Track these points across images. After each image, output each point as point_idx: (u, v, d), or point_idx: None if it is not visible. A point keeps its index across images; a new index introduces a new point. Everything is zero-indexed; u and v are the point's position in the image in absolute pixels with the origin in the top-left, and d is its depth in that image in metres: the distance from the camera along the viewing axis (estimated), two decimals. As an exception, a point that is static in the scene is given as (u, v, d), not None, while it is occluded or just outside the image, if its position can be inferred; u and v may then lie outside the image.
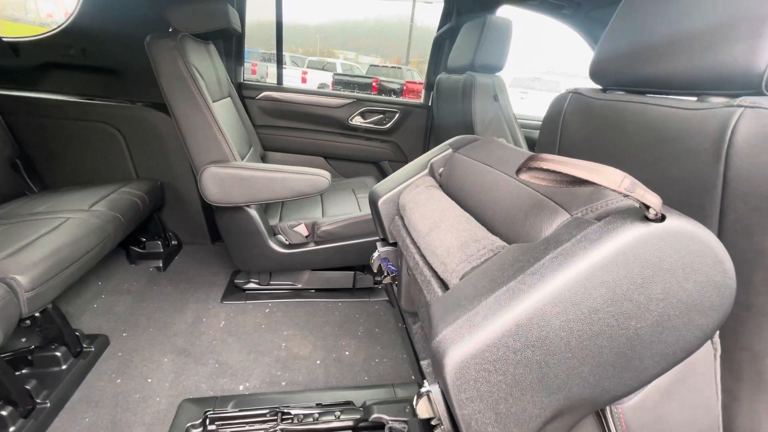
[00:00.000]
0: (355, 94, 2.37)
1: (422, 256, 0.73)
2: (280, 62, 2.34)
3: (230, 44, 2.08)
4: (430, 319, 0.50)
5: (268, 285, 1.78)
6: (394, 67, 13.01)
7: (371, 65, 13.69)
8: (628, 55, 0.76)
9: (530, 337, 0.42)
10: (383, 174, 2.48)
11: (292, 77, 11.99)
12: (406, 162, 2.45)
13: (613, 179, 0.40)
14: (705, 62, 0.61)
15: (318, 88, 12.02)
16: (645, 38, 0.72)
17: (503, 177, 0.71)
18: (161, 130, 1.86)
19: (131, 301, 1.65)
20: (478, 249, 0.59)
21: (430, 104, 2.37)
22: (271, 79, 12.44)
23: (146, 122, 1.85)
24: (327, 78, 12.07)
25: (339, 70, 12.56)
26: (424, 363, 0.63)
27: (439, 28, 2.25)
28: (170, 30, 1.48)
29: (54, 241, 1.18)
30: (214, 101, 1.58)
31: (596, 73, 0.85)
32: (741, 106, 0.55)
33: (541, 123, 1.01)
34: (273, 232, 1.67)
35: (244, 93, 2.21)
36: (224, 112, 1.69)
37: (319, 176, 1.54)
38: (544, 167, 0.45)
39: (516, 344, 0.41)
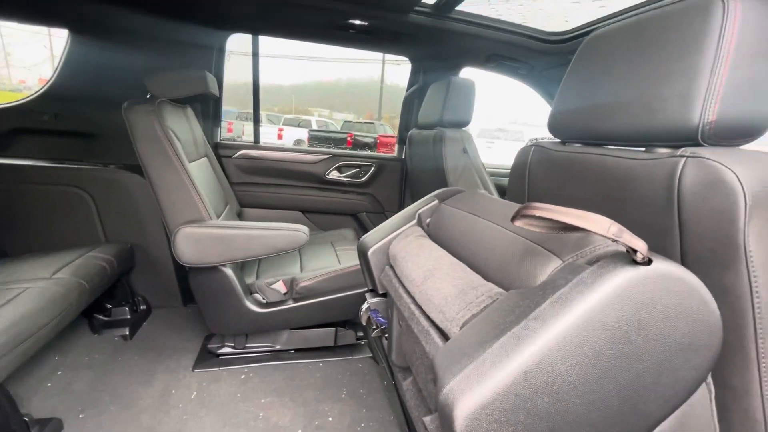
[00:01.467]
0: (330, 149, 2.44)
1: (418, 305, 0.73)
2: (256, 121, 2.41)
3: (207, 106, 2.14)
4: (434, 370, 0.49)
5: (244, 348, 1.68)
6: (368, 123, 13.62)
7: (345, 121, 14.29)
8: (580, 112, 0.83)
9: (539, 384, 0.41)
10: (362, 225, 2.49)
11: (268, 134, 12.30)
12: (383, 213, 2.49)
13: (602, 226, 0.44)
14: (648, 119, 0.67)
15: (294, 144, 12.39)
16: (593, 98, 0.80)
17: (492, 226, 0.74)
18: (134, 192, 1.83)
19: (92, 376, 1.51)
20: (476, 296, 0.60)
21: (403, 157, 2.46)
22: (247, 137, 12.71)
23: (119, 184, 1.82)
24: (303, 134, 12.45)
25: (314, 127, 13.02)
26: (427, 419, 0.60)
27: (408, 88, 2.41)
28: (148, 96, 1.51)
29: (8, 314, 1.09)
30: (190, 162, 1.59)
31: (554, 127, 0.92)
32: (683, 156, 0.60)
33: (509, 171, 1.06)
34: (249, 290, 1.62)
35: (221, 152, 2.24)
36: (200, 171, 1.69)
37: (296, 231, 1.53)
38: (538, 215, 0.48)
39: (525, 392, 0.41)
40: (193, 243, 1.41)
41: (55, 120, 1.88)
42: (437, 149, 1.81)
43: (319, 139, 12.06)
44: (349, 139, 11.77)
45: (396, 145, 2.55)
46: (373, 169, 2.42)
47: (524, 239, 0.63)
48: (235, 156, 2.25)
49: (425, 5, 1.77)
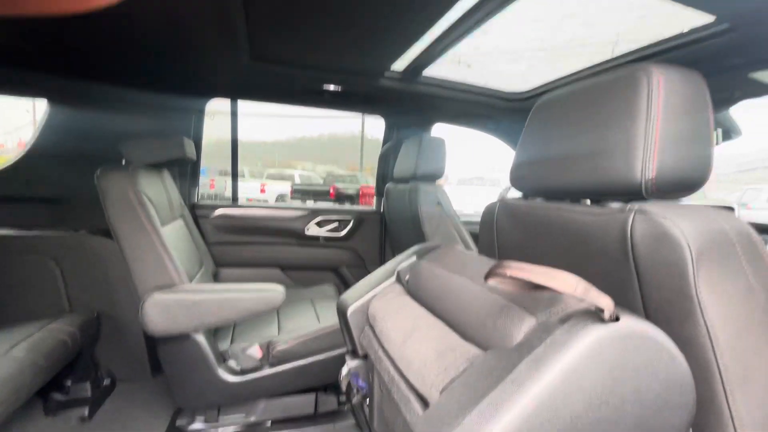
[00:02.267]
0: (308, 205, 2.46)
1: (397, 369, 0.71)
2: (235, 177, 2.43)
3: (185, 167, 2.16)
4: None
5: (216, 422, 1.56)
6: (350, 174, 13.96)
7: (328, 174, 14.61)
8: (537, 169, 0.88)
9: None
10: (343, 280, 2.46)
11: (251, 189, 12.38)
12: (364, 266, 2.47)
13: (569, 284, 0.46)
14: (597, 177, 0.72)
15: (276, 199, 12.47)
16: (547, 156, 0.85)
17: (468, 284, 0.75)
18: (104, 257, 1.77)
19: (42, 467, 1.35)
20: (455, 358, 0.60)
21: (382, 210, 2.50)
22: (230, 192, 12.74)
23: (88, 250, 1.77)
24: (286, 188, 12.59)
25: (297, 181, 13.23)
26: None
27: (384, 144, 2.51)
28: (123, 162, 1.52)
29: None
30: (164, 225, 1.57)
31: (515, 182, 0.96)
32: (631, 211, 0.64)
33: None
34: (222, 358, 1.53)
35: (198, 213, 2.22)
36: (174, 234, 1.67)
37: (272, 291, 1.49)
38: (509, 274, 0.50)
39: None
40: (162, 311, 1.35)
41: (27, 187, 1.86)
42: (413, 202, 1.85)
43: (302, 192, 12.20)
44: (332, 191, 11.95)
45: (375, 198, 2.60)
46: (352, 223, 2.44)
47: (499, 296, 0.64)
48: (212, 216, 2.24)
49: (395, 71, 1.90)
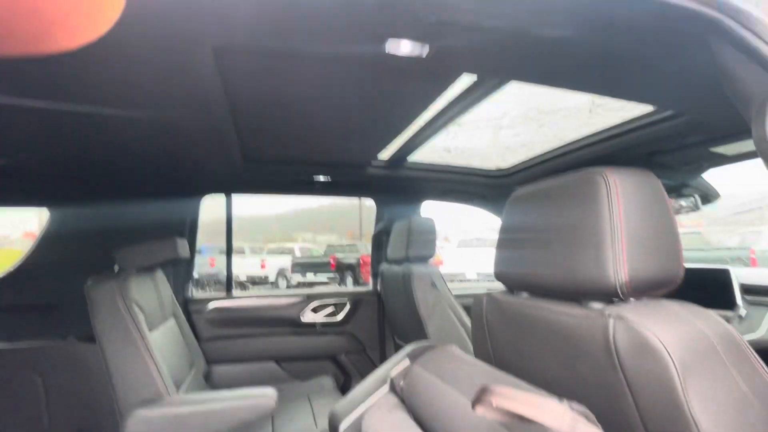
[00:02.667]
0: (303, 291, 2.44)
1: None
2: (229, 267, 2.43)
3: (179, 264, 2.17)
4: None
5: None
6: (350, 244, 14.01)
7: (328, 245, 14.67)
8: (518, 263, 0.89)
9: None
10: (342, 369, 2.34)
11: (252, 266, 12.34)
12: (364, 351, 2.37)
13: (555, 416, 0.44)
14: (573, 276, 0.72)
15: (277, 273, 12.37)
16: (526, 250, 0.86)
17: (460, 401, 0.71)
18: (89, 365, 1.71)
19: None
20: None
21: (379, 290, 2.47)
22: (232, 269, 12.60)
23: (73, 359, 1.71)
24: (286, 262, 12.56)
25: (297, 254, 13.24)
26: None
27: (376, 224, 2.56)
28: (115, 267, 1.54)
29: None
30: (153, 329, 1.54)
31: (499, 277, 0.96)
32: (611, 316, 0.63)
33: (474, 293, 1.07)
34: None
35: (191, 308, 2.19)
36: (164, 337, 1.62)
37: (263, 397, 1.41)
38: (496, 405, 0.49)
39: None
40: (145, 430, 1.27)
41: (20, 296, 1.85)
42: (407, 285, 1.84)
43: (302, 265, 12.14)
44: (332, 262, 11.91)
45: (371, 278, 2.58)
46: (348, 306, 2.39)
47: (490, 422, 0.61)
48: (206, 311, 2.20)
49: (381, 160, 2.01)
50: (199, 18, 0.71)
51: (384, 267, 2.20)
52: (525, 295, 0.90)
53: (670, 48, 0.77)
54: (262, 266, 12.35)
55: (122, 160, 1.58)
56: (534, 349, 0.82)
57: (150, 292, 1.62)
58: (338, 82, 1.04)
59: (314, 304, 2.36)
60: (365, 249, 13.42)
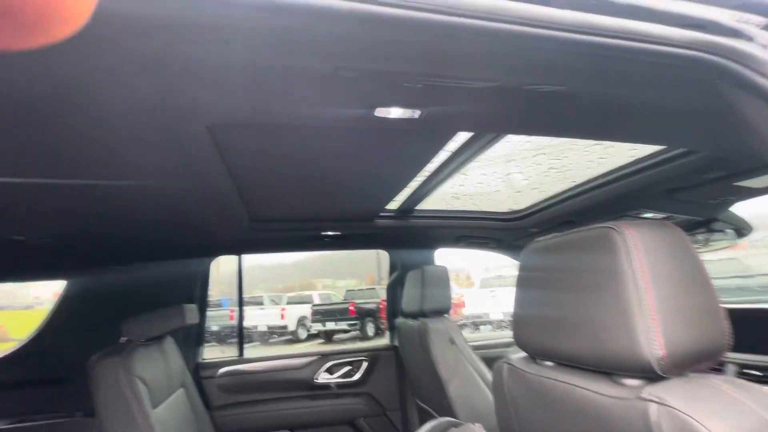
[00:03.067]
0: (318, 350, 2.33)
1: None
2: (241, 329, 2.37)
3: (190, 328, 2.13)
4: None
5: None
6: (369, 288, 13.76)
7: (347, 290, 14.46)
8: (539, 327, 0.80)
9: None
10: (361, 435, 2.18)
11: (271, 316, 12.20)
12: (384, 414, 2.21)
13: None
14: (601, 346, 0.64)
15: (297, 322, 12.17)
16: (546, 313, 0.78)
17: None
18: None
19: None
20: None
21: (396, 344, 2.34)
22: (251, 321, 12.48)
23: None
24: (306, 310, 12.37)
25: (317, 301, 13.05)
26: None
27: (390, 274, 2.48)
28: (122, 339, 1.51)
29: None
30: (159, 404, 1.47)
31: (519, 342, 0.87)
32: (651, 401, 0.54)
33: (500, 341, 0.97)
34: None
35: (202, 374, 2.12)
36: (170, 413, 1.54)
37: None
38: None
39: None
40: None
41: (30, 371, 1.83)
42: (423, 343, 1.73)
43: (321, 313, 11.93)
44: (351, 308, 11.66)
45: (387, 332, 2.46)
46: (366, 364, 2.27)
47: None
48: (217, 375, 2.12)
49: (389, 211, 1.98)
50: (191, 100, 0.71)
51: (400, 321, 2.10)
52: (549, 364, 0.81)
53: (676, 92, 0.73)
54: (282, 317, 12.19)
55: (133, 229, 1.60)
56: (564, 430, 0.72)
57: (157, 364, 1.57)
58: (334, 145, 1.03)
59: (329, 363, 2.25)
60: (384, 293, 13.14)
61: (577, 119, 0.88)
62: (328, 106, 0.73)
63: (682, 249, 0.64)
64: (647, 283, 0.59)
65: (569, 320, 0.71)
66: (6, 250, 1.54)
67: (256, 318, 12.63)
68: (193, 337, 2.13)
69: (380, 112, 0.76)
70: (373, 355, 2.30)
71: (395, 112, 0.77)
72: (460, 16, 0.50)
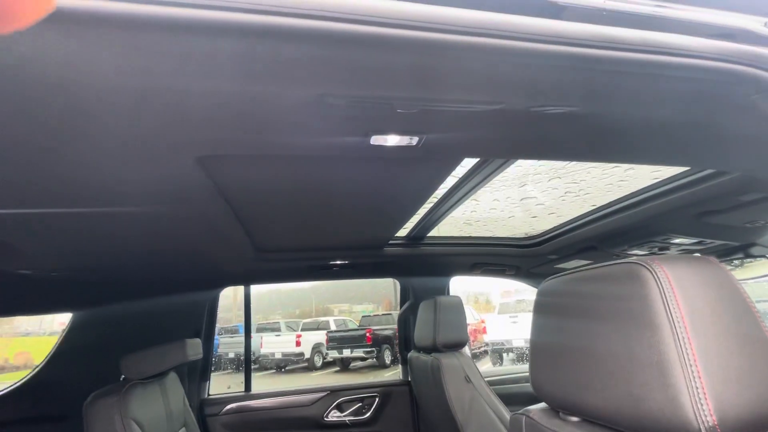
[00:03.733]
0: (328, 384, 2.22)
1: None
2: (248, 365, 2.28)
3: (195, 363, 2.06)
4: None
5: None
6: (386, 314, 13.49)
7: (363, 315, 14.21)
8: (561, 377, 0.70)
9: None
10: (372, 481, 2.03)
11: (287, 343, 12.07)
12: (397, 456, 2.06)
13: None
14: (637, 405, 0.54)
15: (312, 348, 11.98)
16: (568, 361, 0.68)
17: None
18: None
19: None
20: None
21: (409, 379, 2.21)
22: (266, 348, 12.37)
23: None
24: (321, 337, 12.19)
25: (332, 327, 12.86)
26: None
27: (401, 305, 2.38)
28: (122, 378, 1.45)
29: None
30: (157, 447, 1.39)
31: (539, 391, 0.77)
32: None
33: (518, 375, 0.86)
34: None
35: (207, 411, 2.03)
36: (169, 457, 1.46)
37: None
38: None
39: None
40: None
41: (34, 407, 1.78)
42: (437, 380, 1.61)
43: (337, 340, 11.73)
44: (368, 335, 11.42)
45: (400, 366, 2.34)
46: (378, 400, 2.14)
47: None
48: (222, 412, 2.03)
49: (399, 238, 1.91)
50: (177, 132, 0.68)
51: (412, 355, 1.98)
52: (574, 420, 0.70)
53: (705, 108, 0.65)
54: (297, 344, 12.03)
55: (138, 262, 1.58)
56: None
57: (156, 404, 1.50)
58: (335, 173, 0.98)
59: (339, 399, 2.13)
60: (402, 319, 12.83)
61: (591, 142, 0.80)
62: (320, 135, 0.68)
63: (727, 289, 0.55)
64: (688, 332, 0.50)
65: (597, 371, 0.62)
66: (13, 285, 1.54)
67: (271, 345, 12.52)
68: (198, 372, 2.06)
69: (376, 140, 0.71)
70: (386, 391, 2.18)
71: (392, 140, 0.71)
72: (454, 33, 0.45)
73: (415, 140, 0.71)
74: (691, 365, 0.49)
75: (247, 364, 2.26)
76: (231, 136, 0.69)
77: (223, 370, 11.58)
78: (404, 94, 0.54)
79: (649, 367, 0.52)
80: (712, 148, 0.85)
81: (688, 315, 0.51)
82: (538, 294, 0.80)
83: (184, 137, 0.70)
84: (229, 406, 2.05)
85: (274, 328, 13.45)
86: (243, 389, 2.22)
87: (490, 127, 0.69)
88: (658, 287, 0.53)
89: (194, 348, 1.62)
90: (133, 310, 1.95)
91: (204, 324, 2.06)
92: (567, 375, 0.69)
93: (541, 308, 0.79)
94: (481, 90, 0.55)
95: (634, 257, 0.59)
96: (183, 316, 2.02)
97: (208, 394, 2.11)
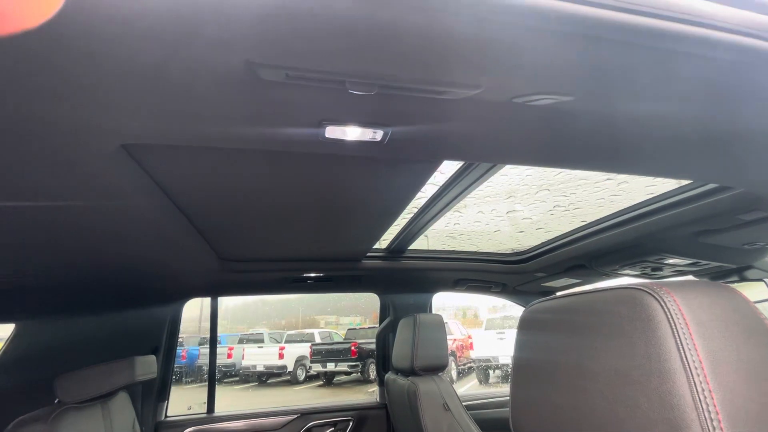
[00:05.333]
0: (298, 406, 2.05)
1: None
2: (212, 382, 2.11)
3: (151, 382, 1.89)
4: None
5: None
6: (372, 327, 13.24)
7: (349, 328, 13.92)
8: (550, 420, 0.59)
9: None
10: None
11: (270, 355, 11.73)
12: (370, 489, 1.90)
13: None
14: None
15: (296, 361, 11.66)
16: (562, 402, 0.57)
17: None
18: None
19: None
20: None
21: (386, 403, 2.06)
22: (248, 360, 12.03)
23: None
24: (305, 350, 11.89)
25: (317, 340, 12.55)
26: None
27: (380, 321, 2.24)
28: (56, 401, 1.28)
29: None
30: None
31: (518, 425, 0.66)
32: None
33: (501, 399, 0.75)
34: None
35: (163, 434, 1.85)
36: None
37: None
38: None
39: None
40: None
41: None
42: (413, 407, 1.47)
43: (322, 353, 11.46)
44: (353, 349, 11.17)
45: (377, 388, 2.19)
46: (352, 424, 1.99)
47: None
48: (180, 437, 1.85)
49: (378, 251, 1.79)
50: (98, 111, 0.56)
51: (389, 377, 1.84)
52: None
53: (717, 105, 0.55)
54: (281, 356, 11.70)
55: (91, 272, 1.43)
56: None
57: (95, 430, 1.33)
58: (289, 173, 0.86)
59: (311, 423, 1.97)
60: (388, 332, 12.60)
61: (583, 145, 0.70)
62: (262, 122, 0.56)
63: (750, 321, 0.45)
64: (705, 374, 0.40)
65: (591, 417, 0.50)
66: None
67: (255, 356, 12.19)
68: (155, 391, 1.89)
69: (332, 132, 0.59)
70: (361, 415, 2.02)
71: (352, 133, 0.60)
72: None
73: (379, 134, 0.60)
74: (712, 419, 0.38)
75: (211, 380, 2.09)
76: (155, 120, 0.57)
77: (203, 382, 11.18)
78: (356, 67, 0.43)
79: (661, 417, 0.41)
80: (718, 158, 0.76)
81: (705, 354, 0.41)
82: (521, 322, 0.69)
83: (103, 120, 0.57)
84: (188, 430, 1.88)
85: (257, 340, 13.10)
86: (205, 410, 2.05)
87: (466, 122, 0.58)
88: (668, 319, 0.43)
89: (146, 366, 1.46)
90: (84, 323, 1.78)
91: (164, 339, 1.89)
92: (554, 419, 0.58)
93: (524, 335, 0.67)
94: (451, 66, 0.44)
95: (638, 282, 0.48)
96: (140, 331, 1.85)
97: (166, 416, 1.93)
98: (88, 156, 0.66)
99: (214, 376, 2.09)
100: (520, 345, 0.68)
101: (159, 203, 0.92)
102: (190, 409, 2.28)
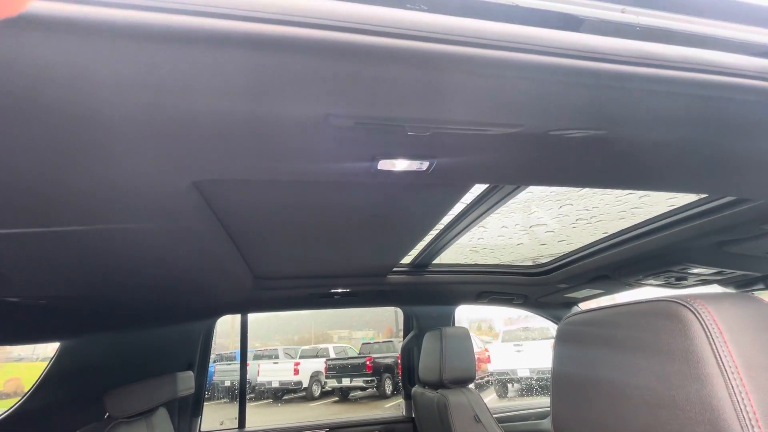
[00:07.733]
0: (327, 420, 2.09)
1: None
2: (243, 397, 2.16)
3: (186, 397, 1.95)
4: None
5: None
6: (386, 341, 13.14)
7: (363, 343, 13.84)
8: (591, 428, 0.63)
9: None
10: None
11: (285, 371, 11.71)
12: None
13: None
14: None
15: (310, 377, 11.61)
16: (604, 420, 0.61)
17: None
18: None
19: None
20: None
21: (413, 416, 2.09)
22: (263, 377, 12.00)
23: None
24: (320, 365, 11.84)
25: (332, 355, 12.49)
26: None
27: (405, 335, 2.28)
28: (106, 416, 1.35)
29: None
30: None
31: None
32: None
33: (532, 411, 0.77)
34: None
35: (197, 449, 1.91)
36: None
37: None
38: None
39: None
40: None
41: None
42: (444, 419, 1.50)
43: (336, 368, 11.39)
44: (368, 363, 11.08)
45: (403, 402, 2.21)
46: (379, 438, 2.01)
47: None
48: (213, 452, 1.90)
49: (403, 266, 1.84)
50: (177, 152, 0.63)
51: (416, 391, 1.87)
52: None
53: (736, 133, 0.61)
54: (296, 372, 11.67)
55: (134, 291, 1.51)
56: None
57: (142, 444, 1.39)
58: (338, 199, 0.94)
59: (339, 437, 2.00)
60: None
61: (612, 168, 0.76)
62: (324, 159, 0.64)
63: None
64: (741, 378, 0.44)
65: (635, 423, 0.55)
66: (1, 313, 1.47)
67: (270, 372, 12.17)
68: (190, 407, 1.95)
69: (384, 164, 0.66)
70: (388, 429, 2.05)
71: (401, 165, 0.67)
72: (469, 45, 0.41)
73: (425, 165, 0.66)
74: (753, 426, 0.42)
75: (241, 396, 2.14)
76: (229, 159, 0.65)
77: (218, 400, 11.19)
78: (416, 114, 0.50)
79: (701, 425, 0.45)
80: (735, 174, 0.80)
81: (743, 366, 0.45)
82: (559, 334, 0.73)
83: (180, 160, 0.65)
84: (221, 445, 1.92)
85: (272, 356, 13.09)
86: (237, 425, 2.09)
87: (506, 152, 0.64)
88: (705, 331, 0.47)
89: (186, 382, 1.53)
90: (124, 340, 1.86)
91: (198, 355, 1.96)
92: (595, 429, 0.62)
93: (563, 348, 0.72)
94: (499, 110, 0.51)
95: (672, 295, 0.53)
96: (176, 347, 1.93)
97: (200, 431, 1.98)
98: (161, 191, 0.74)
99: (244, 392, 2.15)
100: (560, 358, 0.72)
101: (212, 228, 0.99)
102: (222, 424, 2.33)
